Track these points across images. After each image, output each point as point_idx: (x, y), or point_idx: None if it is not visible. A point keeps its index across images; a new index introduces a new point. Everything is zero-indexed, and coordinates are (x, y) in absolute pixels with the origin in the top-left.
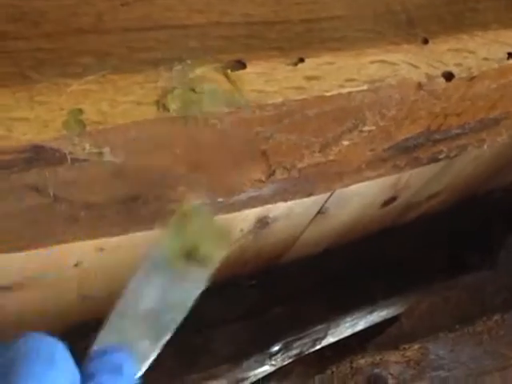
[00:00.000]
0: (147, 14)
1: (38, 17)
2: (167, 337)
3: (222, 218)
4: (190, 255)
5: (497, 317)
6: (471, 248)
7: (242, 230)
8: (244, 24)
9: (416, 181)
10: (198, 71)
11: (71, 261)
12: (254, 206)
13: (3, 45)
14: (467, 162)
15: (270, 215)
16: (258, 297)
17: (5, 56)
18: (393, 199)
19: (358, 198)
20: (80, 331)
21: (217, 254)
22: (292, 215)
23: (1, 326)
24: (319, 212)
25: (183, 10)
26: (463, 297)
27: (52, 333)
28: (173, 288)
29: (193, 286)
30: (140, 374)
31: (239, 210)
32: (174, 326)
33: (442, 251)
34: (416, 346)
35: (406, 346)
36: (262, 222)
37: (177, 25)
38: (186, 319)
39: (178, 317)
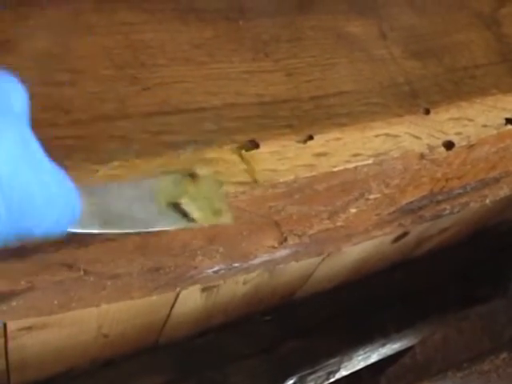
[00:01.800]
0: (166, 99)
1: (67, 104)
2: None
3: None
4: (176, 204)
5: (504, 355)
6: (483, 279)
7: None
8: (257, 104)
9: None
10: (214, 153)
11: None
12: (267, 268)
13: (36, 133)
14: None
15: None
16: (272, 332)
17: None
18: (404, 235)
19: None
20: (100, 367)
21: (201, 220)
22: None
23: (23, 363)
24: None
25: (200, 92)
26: (476, 327)
27: (72, 368)
28: (143, 209)
29: (162, 222)
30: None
31: (254, 271)
32: (123, 229)
33: (454, 283)
34: None
35: None
36: None
37: (194, 108)
38: (205, 356)
39: (133, 228)
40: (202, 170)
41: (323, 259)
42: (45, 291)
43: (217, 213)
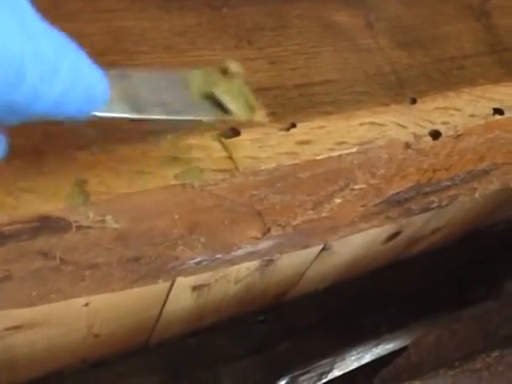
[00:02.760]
0: None
1: None
2: (142, 116)
3: None
4: (211, 94)
5: (496, 353)
6: (476, 280)
7: (248, 268)
8: None
9: (418, 217)
10: (195, 140)
11: (81, 301)
12: (251, 260)
13: None
14: (467, 199)
15: None
16: (265, 332)
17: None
18: (396, 234)
19: (361, 234)
20: (91, 367)
21: (238, 112)
22: (297, 252)
23: (12, 363)
24: (323, 249)
25: None
26: (469, 328)
27: (62, 368)
28: (176, 98)
29: (197, 110)
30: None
31: (238, 263)
32: (155, 115)
33: (447, 284)
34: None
35: None
36: (268, 260)
37: None
38: (197, 356)
39: (165, 114)
40: (233, 66)
41: (315, 258)
42: (22, 281)
43: (251, 109)
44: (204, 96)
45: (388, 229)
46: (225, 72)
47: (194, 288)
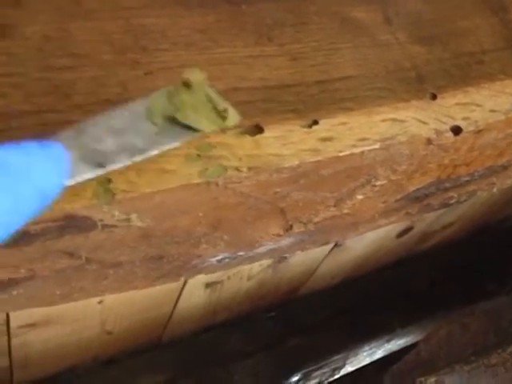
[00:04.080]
0: (169, 83)
1: (68, 89)
2: (108, 169)
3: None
4: (173, 117)
5: (511, 348)
6: (487, 275)
7: (261, 265)
8: (262, 88)
9: (424, 215)
10: (219, 137)
11: (95, 298)
12: (272, 257)
13: (37, 118)
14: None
15: None
16: (277, 328)
17: (40, 129)
18: (408, 229)
19: (374, 230)
20: (103, 365)
21: (203, 125)
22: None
23: (26, 361)
24: (335, 245)
25: None
26: (481, 323)
27: (75, 366)
28: (138, 134)
29: (163, 140)
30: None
31: (258, 260)
32: (120, 164)
33: (459, 279)
34: (432, 379)
35: (423, 379)
36: (280, 257)
37: None
38: (209, 353)
39: (130, 157)
40: (194, 75)
41: (327, 254)
42: (46, 280)
43: (222, 114)
44: (169, 120)
45: (400, 224)
46: (187, 85)
47: (207, 285)
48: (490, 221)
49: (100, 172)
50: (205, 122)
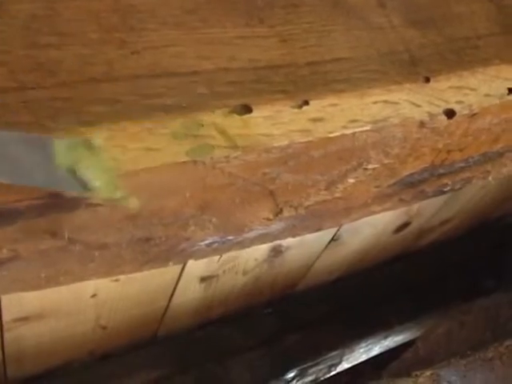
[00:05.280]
0: (156, 62)
1: (54, 66)
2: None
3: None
4: (73, 168)
5: (508, 342)
6: (485, 272)
7: (256, 260)
8: (251, 69)
9: (428, 207)
10: (207, 116)
11: (88, 292)
12: (263, 242)
13: (21, 95)
14: (476, 190)
15: (284, 244)
16: (273, 325)
17: (23, 106)
18: (406, 225)
19: (371, 225)
20: (98, 360)
21: (101, 192)
22: (305, 243)
23: (20, 355)
24: (332, 239)
25: (192, 57)
26: (479, 321)
27: (70, 361)
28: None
29: (55, 181)
30: None
31: (249, 246)
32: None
33: (457, 276)
34: (428, 373)
35: (418, 373)
36: (276, 251)
37: (186, 72)
38: (205, 349)
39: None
40: (98, 142)
41: (324, 249)
42: (30, 261)
43: (115, 187)
44: (67, 167)
45: (397, 219)
46: (89, 146)
47: (202, 279)
48: (488, 217)
49: None
50: (101, 185)
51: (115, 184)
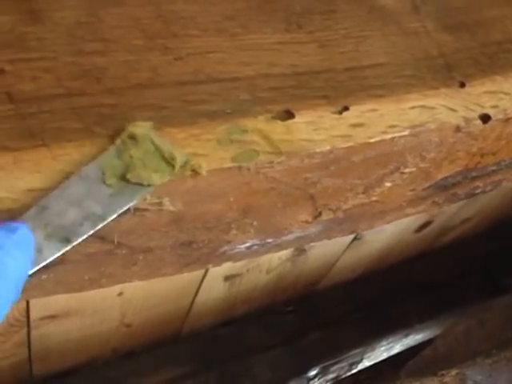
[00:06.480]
0: (199, 68)
1: (99, 73)
2: (74, 243)
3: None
4: (125, 176)
5: None
6: (506, 270)
7: (279, 258)
8: (291, 74)
9: (449, 206)
10: (250, 123)
11: (115, 290)
12: (300, 245)
13: (69, 101)
14: (497, 189)
15: None
16: (295, 323)
17: (71, 112)
18: (427, 224)
19: (393, 224)
20: (122, 358)
21: (153, 180)
22: (328, 242)
23: (45, 353)
24: (355, 238)
25: (233, 63)
26: (499, 319)
27: (94, 359)
28: (96, 200)
29: (119, 202)
30: (32, 269)
31: (286, 248)
32: (84, 235)
33: (477, 274)
34: (454, 372)
35: (444, 372)
36: (299, 250)
37: (228, 78)
38: (228, 347)
39: (93, 227)
40: (138, 127)
41: (346, 248)
42: (76, 264)
43: (171, 162)
44: (121, 179)
45: (419, 218)
46: (133, 137)
47: (226, 278)
48: (508, 215)
49: (66, 248)
50: (154, 177)
51: (168, 159)
